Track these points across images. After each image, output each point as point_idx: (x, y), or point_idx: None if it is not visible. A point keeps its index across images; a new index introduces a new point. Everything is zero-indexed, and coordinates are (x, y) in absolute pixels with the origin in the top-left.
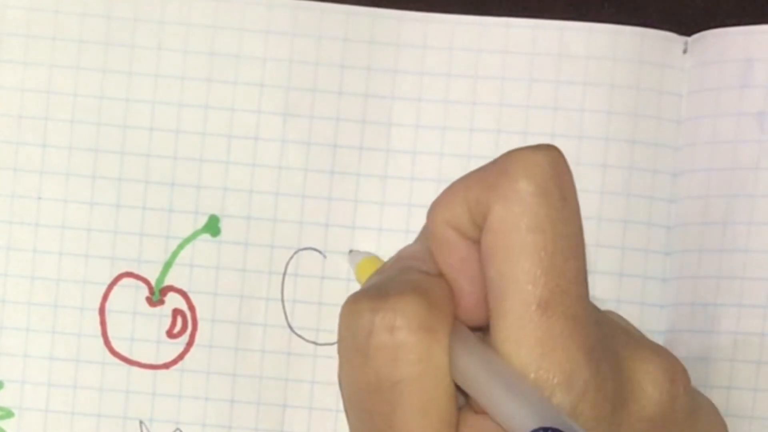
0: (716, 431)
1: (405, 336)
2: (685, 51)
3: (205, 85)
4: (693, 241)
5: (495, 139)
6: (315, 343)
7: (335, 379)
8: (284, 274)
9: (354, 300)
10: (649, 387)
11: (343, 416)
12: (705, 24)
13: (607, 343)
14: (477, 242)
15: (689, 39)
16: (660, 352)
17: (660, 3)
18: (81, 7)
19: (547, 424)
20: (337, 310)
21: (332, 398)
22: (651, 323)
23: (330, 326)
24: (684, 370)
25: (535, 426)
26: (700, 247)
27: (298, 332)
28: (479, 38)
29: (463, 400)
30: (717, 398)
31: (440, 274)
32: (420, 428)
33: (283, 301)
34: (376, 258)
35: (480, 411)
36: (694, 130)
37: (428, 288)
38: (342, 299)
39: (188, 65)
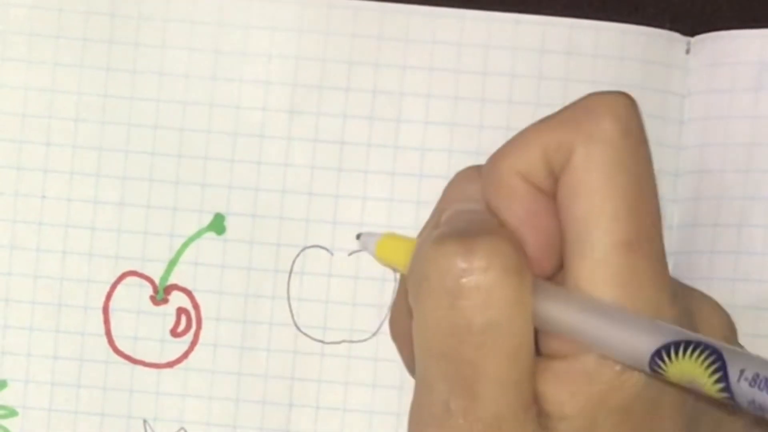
0: None
1: (498, 278)
2: (687, 51)
3: (210, 83)
4: (705, 242)
5: (504, 136)
6: (321, 341)
7: (342, 377)
8: (290, 272)
9: (440, 242)
10: (712, 331)
11: (349, 415)
12: (708, 25)
13: (677, 286)
14: (546, 192)
15: (692, 39)
16: (714, 301)
17: (662, 3)
18: (85, 5)
19: (680, 338)
20: (345, 309)
21: (339, 397)
22: None
23: (337, 325)
24: (735, 325)
25: (663, 342)
26: (713, 249)
27: (305, 331)
28: (488, 34)
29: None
30: None
31: (502, 227)
32: (507, 374)
33: (289, 299)
34: (393, 234)
35: (561, 356)
36: (703, 130)
37: (509, 233)
38: (349, 297)
39: (193, 63)
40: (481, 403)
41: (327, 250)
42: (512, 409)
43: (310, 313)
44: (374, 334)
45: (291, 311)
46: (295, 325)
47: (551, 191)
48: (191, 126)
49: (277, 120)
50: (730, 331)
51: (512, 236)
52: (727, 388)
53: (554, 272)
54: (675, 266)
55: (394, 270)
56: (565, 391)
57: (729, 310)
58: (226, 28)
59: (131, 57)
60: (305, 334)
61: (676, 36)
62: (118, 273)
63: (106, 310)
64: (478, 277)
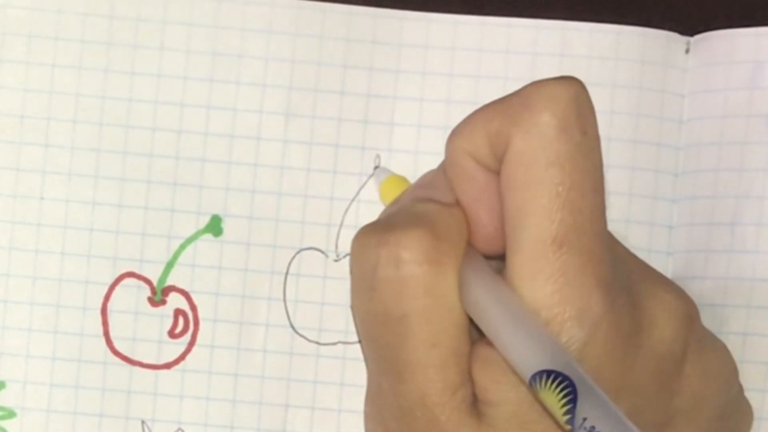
0: (726, 370)
1: (410, 269)
2: (687, 51)
3: (208, 85)
4: (700, 241)
5: None
6: (317, 343)
7: (338, 379)
8: (286, 274)
9: (362, 233)
10: (665, 323)
11: (345, 416)
12: (707, 24)
13: (625, 278)
14: (496, 173)
15: (692, 39)
16: (675, 288)
17: (661, 3)
18: (83, 6)
19: (552, 367)
20: (340, 310)
21: (335, 398)
22: None
23: (332, 326)
24: (696, 308)
25: (540, 368)
26: (707, 248)
27: (301, 332)
28: (481, 38)
29: (479, 331)
30: None
31: (456, 204)
32: (427, 360)
33: (285, 301)
34: (399, 177)
35: (489, 343)
36: (699, 130)
37: (437, 219)
38: (345, 299)
39: (191, 65)
40: (405, 385)
41: (322, 252)
42: (436, 391)
43: (306, 315)
44: None
45: (287, 313)
46: (291, 326)
47: (499, 173)
48: (188, 128)
49: (273, 122)
50: (683, 320)
51: (440, 222)
52: (572, 430)
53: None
54: (674, 266)
55: None
56: (488, 377)
57: (722, 309)
58: (223, 31)
59: (129, 59)
60: (301, 336)
61: (674, 36)
62: (116, 274)
63: (104, 311)
64: (390, 270)
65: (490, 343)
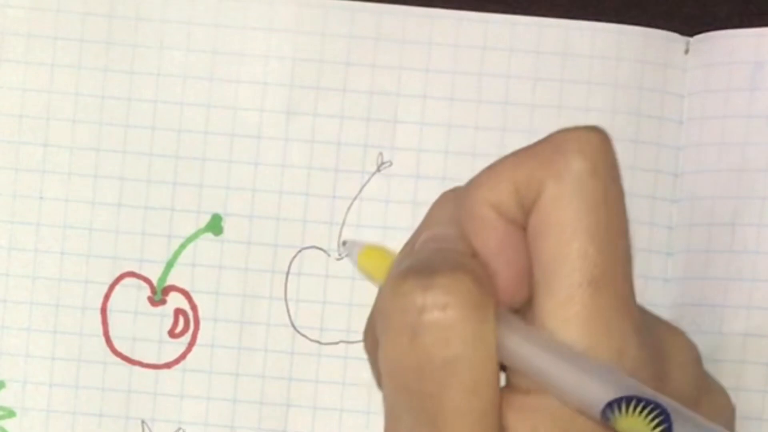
0: (730, 410)
1: (457, 314)
2: (686, 51)
3: (208, 84)
4: (700, 241)
5: (500, 137)
6: (318, 342)
7: (339, 378)
8: (287, 273)
9: (401, 277)
10: (684, 366)
11: (346, 415)
12: (706, 25)
13: (645, 322)
14: (517, 225)
15: (691, 39)
16: (682, 332)
17: (662, 3)
18: (83, 6)
19: (632, 393)
20: (342, 310)
21: (336, 397)
22: None
23: (334, 325)
24: (700, 353)
25: (615, 396)
26: (708, 248)
27: (302, 331)
28: (484, 36)
29: (502, 381)
30: None
31: (474, 257)
32: (470, 408)
33: (286, 300)
34: (377, 245)
35: (525, 390)
36: (699, 130)
37: (474, 267)
38: (346, 298)
39: (190, 64)
40: None
41: (324, 251)
42: None
43: (307, 314)
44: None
45: (288, 312)
46: (293, 325)
47: (523, 223)
48: (189, 127)
49: (274, 121)
50: (695, 363)
51: (476, 269)
52: None
53: (527, 303)
54: (674, 267)
55: (373, 282)
56: (528, 426)
57: (722, 310)
58: (223, 29)
59: (129, 58)
60: (302, 335)
61: (674, 36)
62: (116, 274)
63: (104, 310)
64: (437, 314)
65: (522, 391)
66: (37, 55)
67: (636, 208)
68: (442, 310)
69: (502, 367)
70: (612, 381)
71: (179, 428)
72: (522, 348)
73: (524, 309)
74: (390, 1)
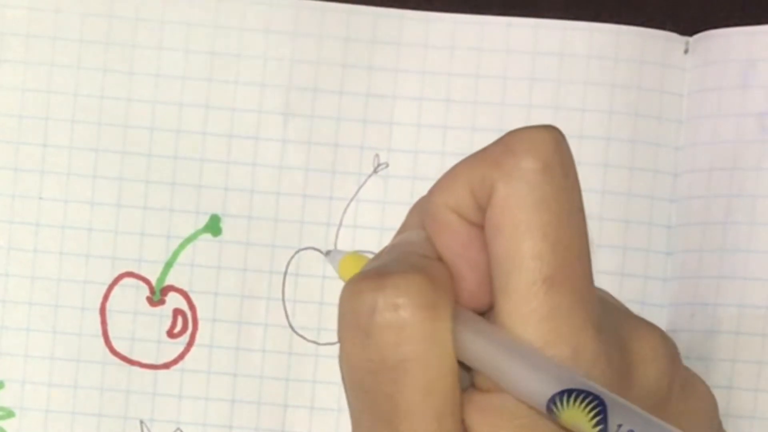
0: (709, 408)
1: (409, 314)
2: (686, 51)
3: (206, 85)
4: (694, 241)
5: (496, 138)
6: (316, 342)
7: (337, 378)
8: (285, 273)
9: (356, 280)
10: (651, 362)
11: (345, 416)
12: (706, 24)
13: (609, 321)
14: (478, 226)
15: (690, 39)
16: (655, 329)
17: (661, 3)
18: (82, 6)
19: (571, 386)
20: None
21: (334, 398)
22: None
23: (331, 326)
24: (676, 347)
25: (558, 389)
26: (701, 247)
27: (299, 332)
28: (481, 37)
29: (467, 380)
30: (718, 398)
31: (439, 259)
32: (424, 407)
33: (284, 300)
34: (356, 254)
35: (486, 389)
36: (695, 129)
37: (430, 268)
38: None
39: (189, 65)
40: None
41: (321, 251)
42: None
43: (305, 315)
44: None
45: (286, 312)
46: (290, 326)
47: (482, 224)
48: (187, 127)
49: (271, 122)
50: (665, 358)
51: (431, 270)
52: None
53: (492, 304)
54: (673, 266)
55: None
56: (487, 424)
57: (713, 308)
58: (221, 30)
59: (128, 58)
60: (300, 335)
61: (673, 36)
62: (115, 274)
63: (102, 311)
64: (389, 315)
65: (483, 390)
66: (36, 55)
67: (635, 208)
68: (394, 311)
69: (467, 368)
70: (556, 375)
71: (177, 428)
72: (476, 346)
73: (490, 310)
74: (387, 3)
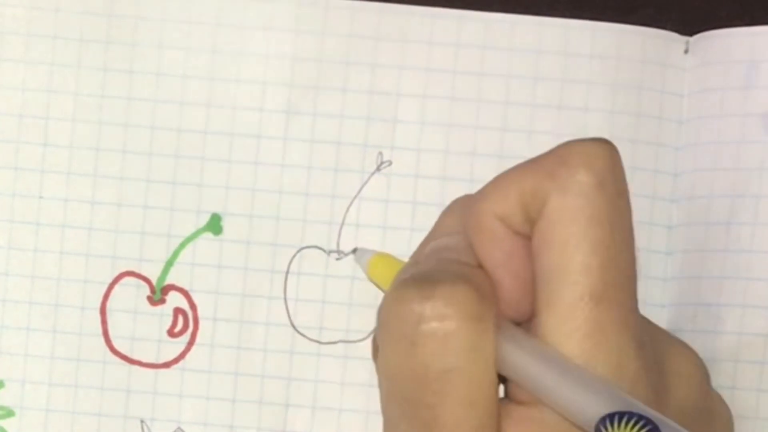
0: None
1: (456, 325)
2: (686, 51)
3: (207, 83)
4: (696, 241)
5: (500, 137)
6: (318, 342)
7: (339, 378)
8: (287, 272)
9: (402, 287)
10: (688, 381)
11: (346, 415)
12: (707, 24)
13: (648, 337)
14: (524, 236)
15: (691, 39)
16: (690, 348)
17: (662, 3)
18: (82, 5)
19: (624, 408)
20: (341, 309)
21: (336, 397)
22: None
23: (333, 325)
24: (707, 369)
25: (607, 411)
26: (704, 248)
27: (301, 331)
28: (485, 35)
29: (501, 392)
30: None
31: (479, 267)
32: (466, 419)
33: (285, 299)
34: (385, 254)
35: (522, 401)
36: (696, 130)
37: (476, 278)
38: (346, 298)
39: (190, 63)
40: None
41: (323, 250)
42: None
43: (307, 314)
44: (370, 335)
45: (288, 311)
46: (292, 325)
47: (529, 235)
48: (188, 126)
49: (273, 120)
50: (699, 379)
51: (477, 280)
52: None
53: (531, 314)
54: (673, 266)
55: (382, 291)
56: None
57: (717, 309)
58: (223, 28)
59: (128, 57)
60: (302, 335)
61: (673, 36)
62: (116, 273)
63: (103, 310)
64: (435, 325)
65: (519, 402)
66: (37, 54)
67: (636, 208)
68: (441, 321)
69: (502, 379)
70: (606, 396)
71: (178, 428)
72: (520, 360)
73: (529, 323)
74: (390, 0)
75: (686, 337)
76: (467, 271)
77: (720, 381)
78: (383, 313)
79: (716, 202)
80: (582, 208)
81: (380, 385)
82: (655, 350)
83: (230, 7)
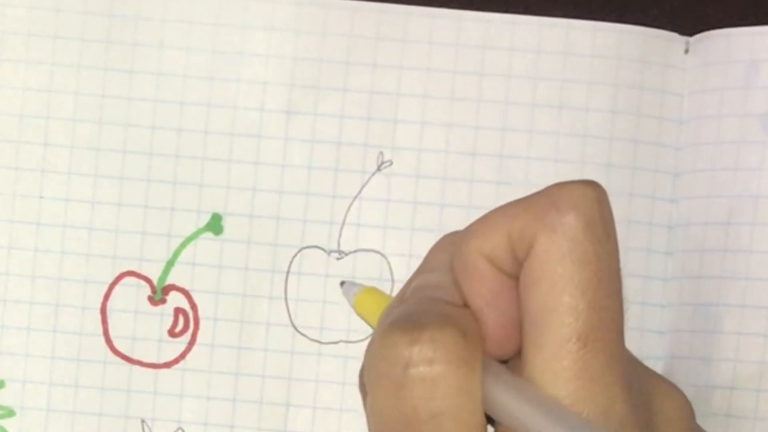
0: None
1: (443, 368)
2: (686, 51)
3: (208, 83)
4: (695, 241)
5: (500, 137)
6: (318, 341)
7: (339, 378)
8: (287, 272)
9: (388, 331)
10: (676, 422)
11: (346, 415)
12: (707, 24)
13: (637, 378)
14: (509, 275)
15: (691, 39)
16: (676, 388)
17: (662, 3)
18: (83, 5)
19: None
20: (342, 309)
21: (336, 397)
22: (652, 323)
23: (334, 325)
24: (693, 408)
25: None
26: (703, 248)
27: (302, 331)
28: (485, 35)
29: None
30: (720, 399)
31: (465, 305)
32: None
33: (286, 299)
34: (373, 288)
35: None
36: (696, 130)
37: (461, 320)
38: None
39: (191, 63)
40: None
41: (324, 250)
42: None
43: (308, 314)
44: (371, 335)
45: (288, 311)
46: (293, 325)
47: (516, 275)
48: (189, 126)
49: (274, 120)
50: (686, 419)
51: (463, 322)
52: None
53: (516, 353)
54: (673, 266)
55: (369, 325)
56: None
57: (716, 309)
58: (223, 28)
59: (129, 57)
60: (302, 334)
61: (674, 36)
62: (116, 273)
63: (103, 310)
64: (423, 369)
65: None
66: (37, 54)
67: (636, 208)
68: (428, 365)
69: (491, 419)
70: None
71: (179, 428)
72: (505, 401)
73: (515, 360)
74: (391, 0)
75: (685, 338)
76: (453, 312)
77: (719, 381)
78: (371, 355)
79: (715, 202)
80: (570, 250)
81: (368, 424)
82: (642, 391)
83: (231, 7)
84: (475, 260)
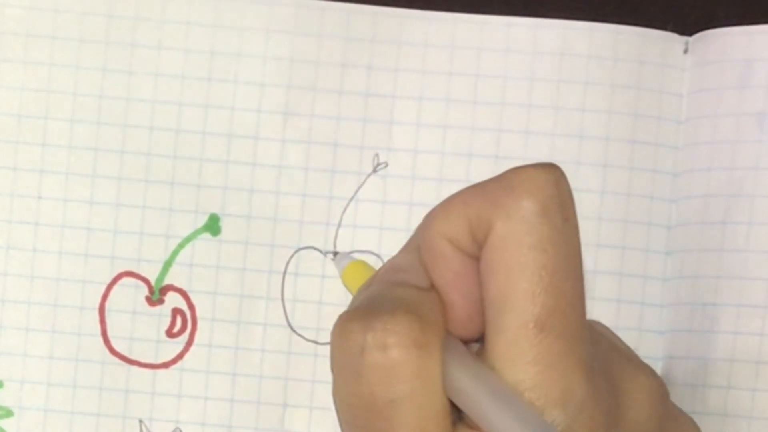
0: None
1: (398, 354)
2: (685, 51)
3: (206, 84)
4: (693, 240)
5: (496, 138)
6: (315, 342)
7: None
8: (284, 273)
9: (345, 319)
10: (641, 403)
11: None
12: (705, 24)
13: (602, 361)
14: (473, 257)
15: (690, 39)
16: (647, 369)
17: (660, 3)
18: (81, 6)
19: None
20: (338, 310)
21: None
22: (651, 323)
23: (330, 325)
24: (665, 386)
25: None
26: (700, 247)
27: (299, 331)
28: (481, 37)
29: (458, 415)
30: (716, 398)
31: (431, 287)
32: None
33: (283, 300)
34: (362, 262)
35: (473, 426)
36: (694, 129)
37: (420, 304)
38: (342, 298)
39: (188, 64)
40: None
41: (320, 251)
42: None
43: (304, 314)
44: None
45: (285, 312)
46: (289, 325)
47: (478, 256)
48: (186, 127)
49: (271, 121)
50: (656, 400)
51: (420, 306)
52: None
53: (482, 334)
54: (672, 266)
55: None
56: None
57: (712, 308)
58: (221, 29)
59: (127, 58)
60: (299, 335)
61: (672, 36)
62: (114, 273)
63: (101, 310)
64: (378, 355)
65: (472, 426)
66: (36, 54)
67: (634, 208)
68: (383, 351)
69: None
70: (529, 423)
71: (177, 428)
72: (462, 384)
73: (480, 341)
74: (386, 3)
75: (682, 337)
76: (411, 296)
77: (715, 380)
78: (331, 344)
79: (712, 202)
80: (526, 235)
81: (336, 412)
82: (609, 372)
83: (229, 9)
84: (439, 242)
